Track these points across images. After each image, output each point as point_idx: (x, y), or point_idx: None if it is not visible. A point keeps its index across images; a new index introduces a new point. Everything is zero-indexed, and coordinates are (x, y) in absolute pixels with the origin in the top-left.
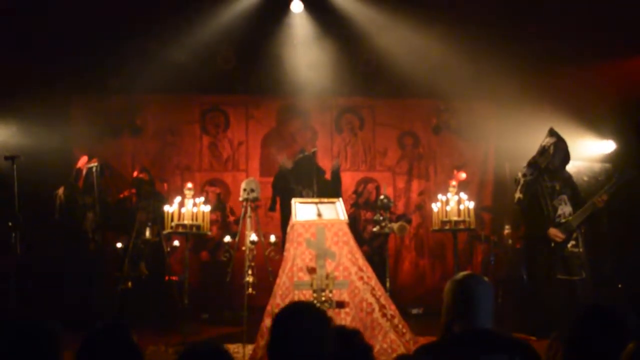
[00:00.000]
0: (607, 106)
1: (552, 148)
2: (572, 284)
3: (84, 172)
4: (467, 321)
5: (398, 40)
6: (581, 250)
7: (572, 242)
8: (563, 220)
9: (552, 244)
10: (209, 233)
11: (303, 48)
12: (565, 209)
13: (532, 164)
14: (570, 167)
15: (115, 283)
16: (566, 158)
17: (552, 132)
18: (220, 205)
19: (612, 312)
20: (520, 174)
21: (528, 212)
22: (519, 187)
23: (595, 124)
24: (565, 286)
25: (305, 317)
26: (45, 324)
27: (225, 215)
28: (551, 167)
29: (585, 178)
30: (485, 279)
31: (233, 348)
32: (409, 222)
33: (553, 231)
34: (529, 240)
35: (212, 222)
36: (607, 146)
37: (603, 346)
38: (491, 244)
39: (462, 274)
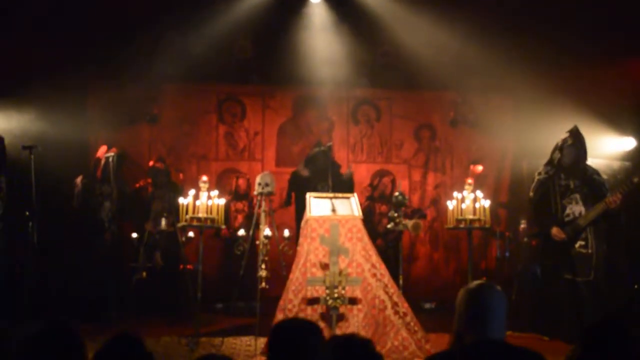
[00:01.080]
0: (628, 103)
1: (564, 145)
2: (577, 285)
3: (103, 161)
4: (479, 332)
5: (417, 32)
6: (590, 251)
7: (581, 243)
8: (570, 219)
9: (560, 244)
10: (223, 226)
11: (321, 38)
12: (575, 208)
13: (549, 161)
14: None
15: (131, 273)
16: (579, 155)
17: (570, 130)
18: (248, 195)
19: (623, 326)
20: (537, 172)
21: (538, 211)
22: (532, 186)
23: (615, 121)
24: (570, 287)
25: (299, 334)
26: (70, 328)
27: (251, 206)
28: (563, 165)
29: (605, 176)
30: (498, 287)
31: (245, 341)
32: (424, 217)
33: (555, 230)
34: (541, 239)
35: (238, 212)
36: (627, 144)
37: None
38: (506, 240)
39: (475, 283)
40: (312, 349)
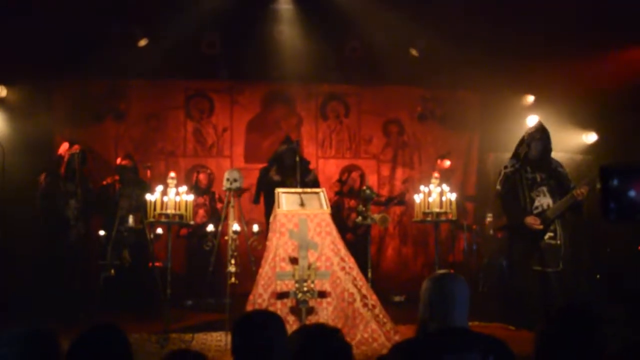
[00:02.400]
0: (589, 98)
1: (529, 138)
2: (547, 276)
3: (66, 158)
4: (442, 320)
5: (385, 27)
6: (559, 242)
7: (550, 234)
8: (538, 212)
9: (529, 235)
10: (192, 222)
11: (289, 34)
12: (543, 200)
13: (514, 154)
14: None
15: (99, 271)
16: (546, 149)
17: (536, 124)
18: (209, 190)
19: (585, 311)
20: (503, 166)
21: (506, 204)
22: (499, 179)
23: (577, 116)
24: (540, 278)
25: (263, 326)
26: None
27: (213, 200)
28: (530, 158)
29: (567, 170)
30: (461, 277)
31: (216, 336)
32: (403, 203)
33: (530, 219)
34: (509, 231)
35: (199, 206)
36: (589, 138)
37: (574, 343)
38: (473, 232)
39: (439, 272)
40: (273, 338)
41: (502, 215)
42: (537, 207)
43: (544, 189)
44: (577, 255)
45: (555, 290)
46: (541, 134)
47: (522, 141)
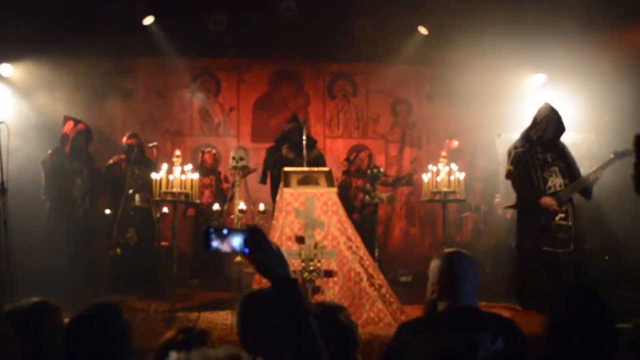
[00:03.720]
0: (602, 76)
1: (544, 120)
2: (557, 257)
3: (71, 137)
4: (451, 299)
5: (393, 5)
6: (570, 223)
7: (561, 215)
8: (552, 192)
9: (541, 216)
10: (197, 201)
11: (297, 11)
12: (556, 180)
13: (525, 136)
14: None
15: (105, 250)
16: (560, 129)
17: (545, 106)
18: (215, 169)
19: (595, 292)
20: (512, 146)
21: (518, 184)
22: (510, 159)
23: (589, 95)
24: (550, 258)
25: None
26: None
27: (219, 180)
28: (544, 139)
29: (579, 150)
30: (469, 255)
31: (222, 315)
32: (410, 184)
33: (547, 200)
34: (520, 212)
35: (205, 186)
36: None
37: (586, 323)
38: (481, 213)
39: (447, 250)
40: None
41: (511, 196)
42: (549, 188)
43: (556, 169)
44: (588, 236)
45: (565, 272)
46: (557, 115)
47: (535, 122)
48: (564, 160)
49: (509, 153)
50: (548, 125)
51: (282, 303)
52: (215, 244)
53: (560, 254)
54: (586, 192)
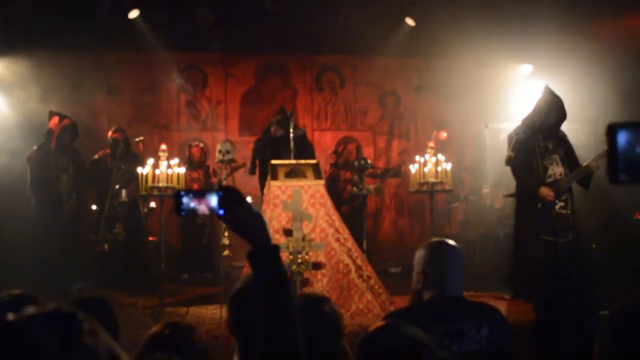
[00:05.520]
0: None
1: (546, 106)
2: (556, 246)
3: (56, 132)
4: (437, 289)
5: None
6: (569, 212)
7: (561, 204)
8: (551, 180)
9: (539, 204)
10: None
11: (282, 3)
12: (556, 169)
13: (527, 122)
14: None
15: (92, 245)
16: (562, 116)
17: (547, 90)
18: (203, 164)
19: (573, 278)
20: (513, 132)
21: (519, 171)
22: (511, 145)
23: (576, 85)
24: (549, 248)
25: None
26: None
27: (207, 175)
28: (545, 126)
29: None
30: (455, 244)
31: (211, 309)
32: (398, 175)
33: (545, 190)
34: (519, 200)
35: (194, 180)
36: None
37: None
38: (470, 203)
39: (432, 240)
40: None
41: (501, 185)
42: (550, 176)
43: (556, 157)
44: (586, 224)
45: (563, 261)
46: (559, 101)
47: (537, 109)
48: (565, 148)
49: (510, 139)
50: (550, 111)
51: (260, 267)
52: (191, 204)
53: (560, 243)
54: (586, 181)
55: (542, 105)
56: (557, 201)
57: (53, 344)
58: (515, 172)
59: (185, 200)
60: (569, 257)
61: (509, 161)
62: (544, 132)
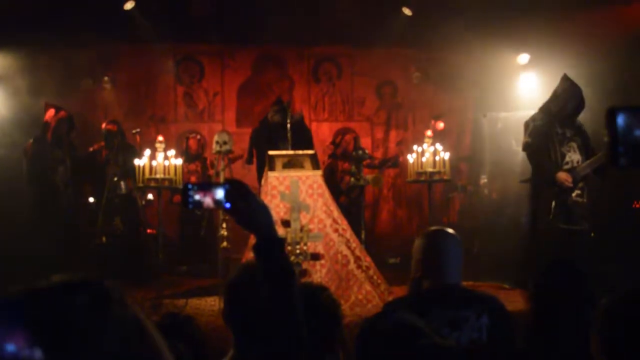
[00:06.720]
0: (588, 55)
1: (564, 94)
2: (572, 234)
3: (53, 125)
4: (436, 277)
5: None
6: (585, 200)
7: (577, 192)
8: (568, 167)
9: (557, 192)
10: (181, 186)
11: None
12: (574, 156)
13: (545, 109)
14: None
15: (90, 238)
16: (580, 105)
17: (566, 78)
18: (200, 155)
19: (573, 265)
20: (530, 119)
21: (536, 157)
22: (528, 132)
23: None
24: (565, 236)
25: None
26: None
27: (205, 167)
28: (563, 114)
29: None
30: (454, 233)
31: (210, 301)
32: (396, 165)
33: (563, 175)
34: (534, 187)
35: (191, 173)
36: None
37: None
38: (468, 193)
39: (431, 229)
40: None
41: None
42: (567, 163)
43: (574, 144)
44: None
45: (578, 249)
46: (578, 89)
47: (555, 96)
48: (582, 136)
49: (527, 125)
50: (569, 99)
51: (266, 260)
52: (197, 197)
53: (575, 231)
54: (601, 170)
55: (560, 93)
56: (574, 188)
57: (81, 312)
58: (532, 158)
59: (192, 193)
60: (582, 246)
61: (526, 146)
62: (561, 120)
